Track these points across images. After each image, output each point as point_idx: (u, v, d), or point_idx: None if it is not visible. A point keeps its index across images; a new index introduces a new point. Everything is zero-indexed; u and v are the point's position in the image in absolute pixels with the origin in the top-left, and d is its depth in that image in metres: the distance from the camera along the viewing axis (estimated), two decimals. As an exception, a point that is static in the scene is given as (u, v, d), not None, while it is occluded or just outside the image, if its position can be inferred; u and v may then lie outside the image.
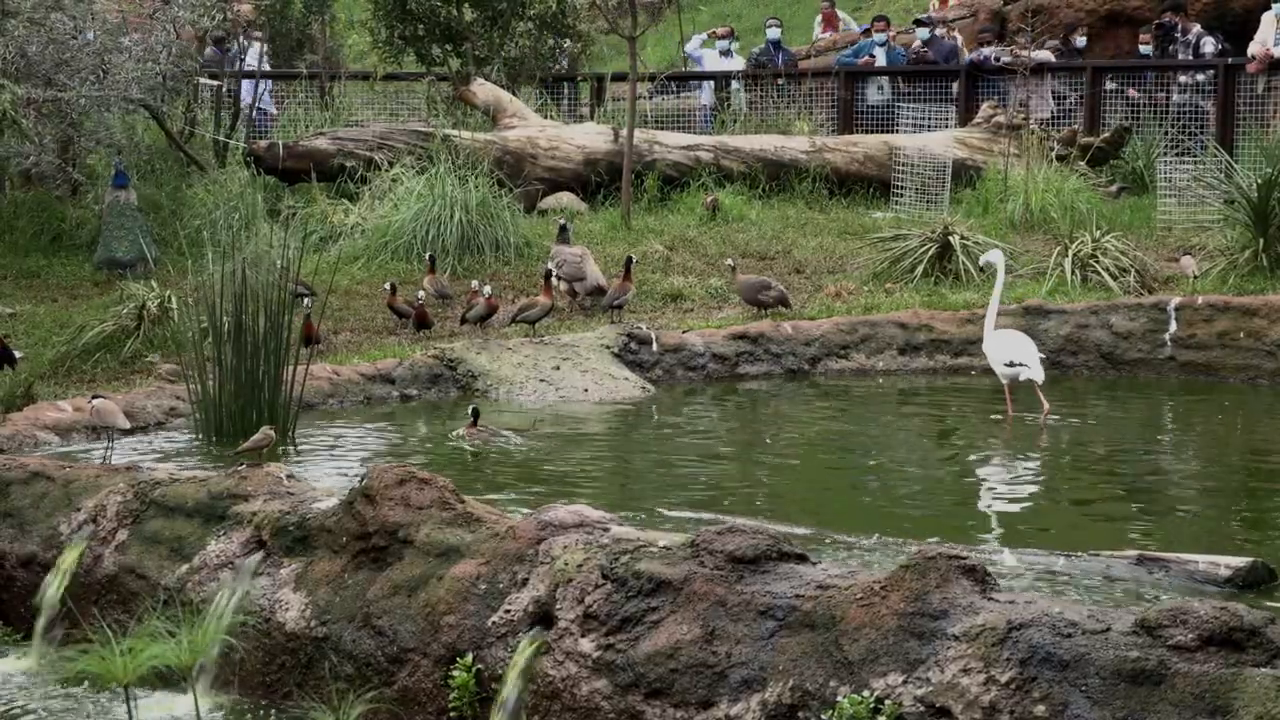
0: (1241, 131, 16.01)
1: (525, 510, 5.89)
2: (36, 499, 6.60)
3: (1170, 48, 17.81)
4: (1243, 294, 11.03)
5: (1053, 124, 16.89)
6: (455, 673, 5.17)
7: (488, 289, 11.26)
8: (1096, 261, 11.94)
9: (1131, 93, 17.16)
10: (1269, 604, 5.19)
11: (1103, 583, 5.58)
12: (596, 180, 15.63)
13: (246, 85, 18.67)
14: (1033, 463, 8.52)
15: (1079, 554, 5.88)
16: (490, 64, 17.55)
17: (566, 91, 19.34)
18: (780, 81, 18.36)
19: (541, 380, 9.86)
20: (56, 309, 11.84)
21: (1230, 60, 16.78)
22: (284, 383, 8.35)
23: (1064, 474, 8.36)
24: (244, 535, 5.95)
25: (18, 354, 9.77)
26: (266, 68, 19.54)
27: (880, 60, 18.75)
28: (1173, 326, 10.69)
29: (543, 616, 5.14)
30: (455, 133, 15.15)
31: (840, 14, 22.23)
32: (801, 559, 4.99)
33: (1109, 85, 17.46)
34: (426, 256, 12.13)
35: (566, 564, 5.17)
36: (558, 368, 9.99)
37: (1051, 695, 4.24)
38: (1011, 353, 9.36)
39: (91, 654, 4.82)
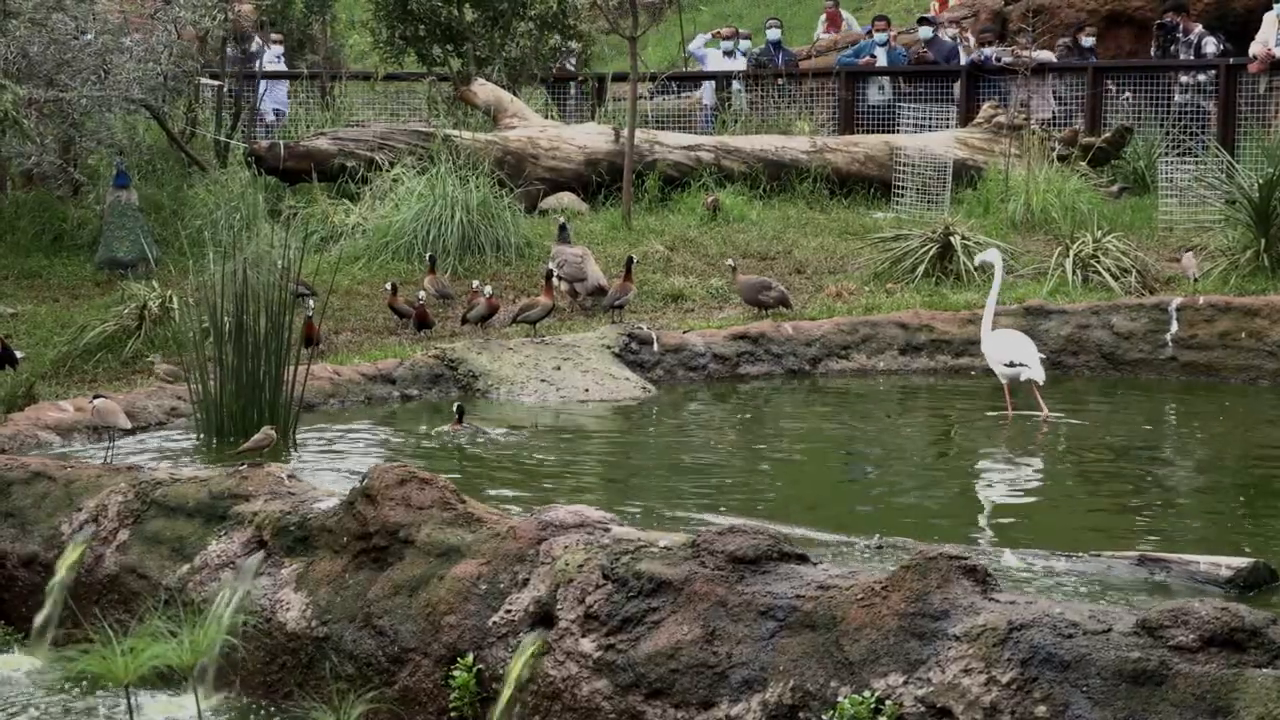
0: (1243, 132, 16.00)
1: (526, 510, 5.89)
2: (38, 499, 6.60)
3: (1172, 48, 17.80)
4: (1244, 294, 11.02)
5: (1054, 124, 16.88)
6: (456, 673, 5.17)
7: (488, 289, 11.26)
8: (1098, 262, 11.93)
9: (1127, 95, 17.15)
10: (1271, 604, 5.19)
11: (1104, 583, 5.58)
12: (597, 180, 15.63)
13: (263, 85, 18.76)
14: (1033, 463, 8.52)
15: (1080, 554, 5.88)
16: (491, 64, 17.55)
17: (573, 91, 19.35)
18: (780, 81, 18.36)
19: (542, 380, 9.86)
20: (58, 309, 11.84)
21: (1232, 60, 16.77)
22: (285, 383, 8.35)
23: (1065, 474, 8.35)
24: (245, 535, 5.96)
25: (19, 354, 9.77)
26: (284, 69, 19.61)
27: (881, 60, 18.75)
28: (1174, 327, 10.68)
29: (543, 617, 5.14)
30: (456, 133, 15.16)
31: (844, 14, 22.23)
32: (802, 559, 4.99)
33: (1110, 87, 17.46)
34: (427, 257, 12.13)
35: (567, 564, 5.17)
36: (559, 368, 9.99)
37: (1053, 696, 4.24)
38: (1012, 353, 9.36)
39: (93, 654, 4.82)
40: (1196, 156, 14.67)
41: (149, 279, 11.58)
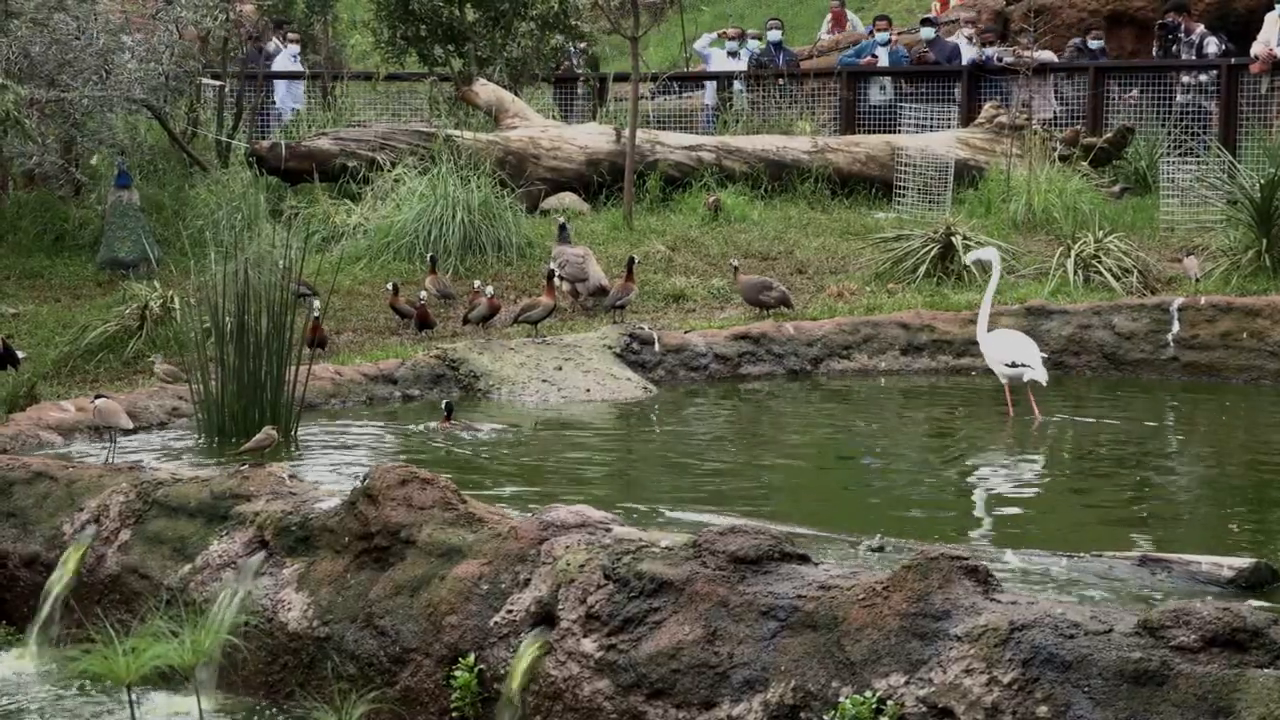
0: (1244, 132, 16.00)
1: (527, 510, 5.89)
2: (40, 499, 6.61)
3: (1174, 48, 17.80)
4: (1245, 295, 11.02)
5: (1055, 124, 16.88)
6: (457, 673, 5.17)
7: (490, 289, 11.26)
8: (1099, 262, 11.94)
9: (1134, 93, 17.14)
10: (1273, 605, 5.18)
11: (1105, 583, 5.58)
12: (599, 180, 15.63)
13: (279, 85, 18.79)
14: (1035, 463, 8.52)
15: (1081, 555, 5.87)
16: (492, 64, 17.55)
17: (580, 91, 19.36)
18: (781, 82, 18.36)
19: (544, 380, 9.86)
20: (59, 309, 11.85)
21: (1233, 60, 16.77)
22: (286, 383, 8.35)
23: (1066, 474, 8.35)
24: (246, 535, 5.96)
25: (21, 354, 9.77)
26: (299, 69, 19.64)
27: (883, 60, 18.75)
28: (1175, 327, 10.68)
29: (545, 617, 5.14)
30: (457, 133, 15.16)
31: (850, 14, 22.22)
32: (803, 559, 4.99)
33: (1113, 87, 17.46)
34: (428, 257, 12.14)
35: (568, 564, 5.17)
36: (560, 368, 9.99)
37: (1054, 696, 4.24)
38: (1013, 353, 9.35)
39: (94, 654, 4.83)
40: (1198, 157, 14.67)
41: (150, 279, 11.59)
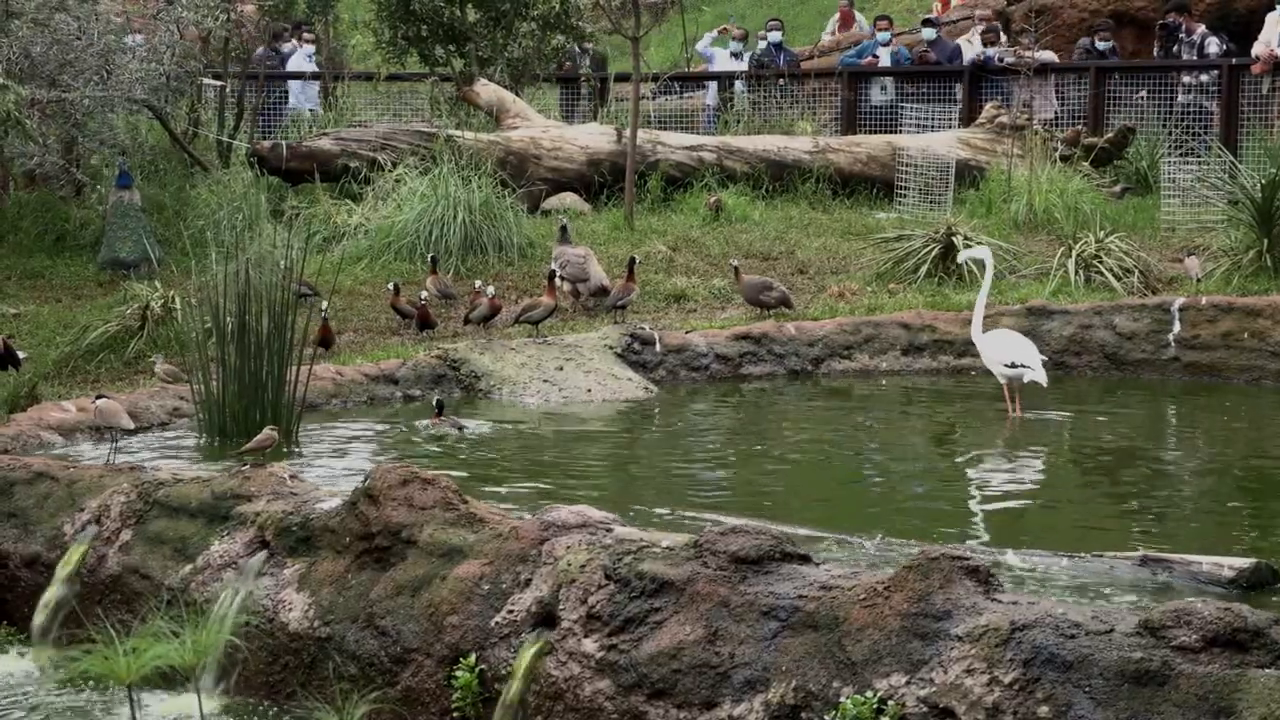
0: (1245, 132, 16.00)
1: (528, 510, 5.89)
2: (40, 499, 6.61)
3: (1175, 48, 17.80)
4: (1247, 295, 11.02)
5: (1056, 124, 16.88)
6: (458, 673, 5.18)
7: (491, 289, 11.26)
8: (1100, 262, 11.93)
9: (1142, 94, 17.13)
10: (1273, 605, 5.18)
11: (1106, 583, 5.58)
12: (600, 181, 15.63)
13: (294, 86, 18.79)
14: (1036, 463, 8.52)
15: (1082, 555, 5.88)
16: (493, 64, 17.55)
17: (584, 91, 19.36)
18: (782, 82, 18.36)
19: (545, 381, 9.86)
20: (60, 309, 11.85)
21: (1235, 61, 16.76)
22: (287, 383, 8.36)
23: (1067, 474, 8.35)
24: (247, 535, 5.96)
25: (22, 354, 9.78)
26: (315, 69, 19.66)
27: (884, 60, 18.75)
28: (1177, 327, 10.68)
29: (546, 617, 5.14)
30: (458, 133, 15.15)
31: (858, 15, 22.21)
32: (804, 559, 4.99)
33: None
34: (429, 257, 12.15)
35: (569, 564, 5.17)
36: (561, 368, 9.99)
37: (1055, 696, 4.24)
38: (1013, 354, 9.34)
39: (95, 654, 4.83)
40: (1199, 157, 14.66)
41: (151, 279, 11.59)
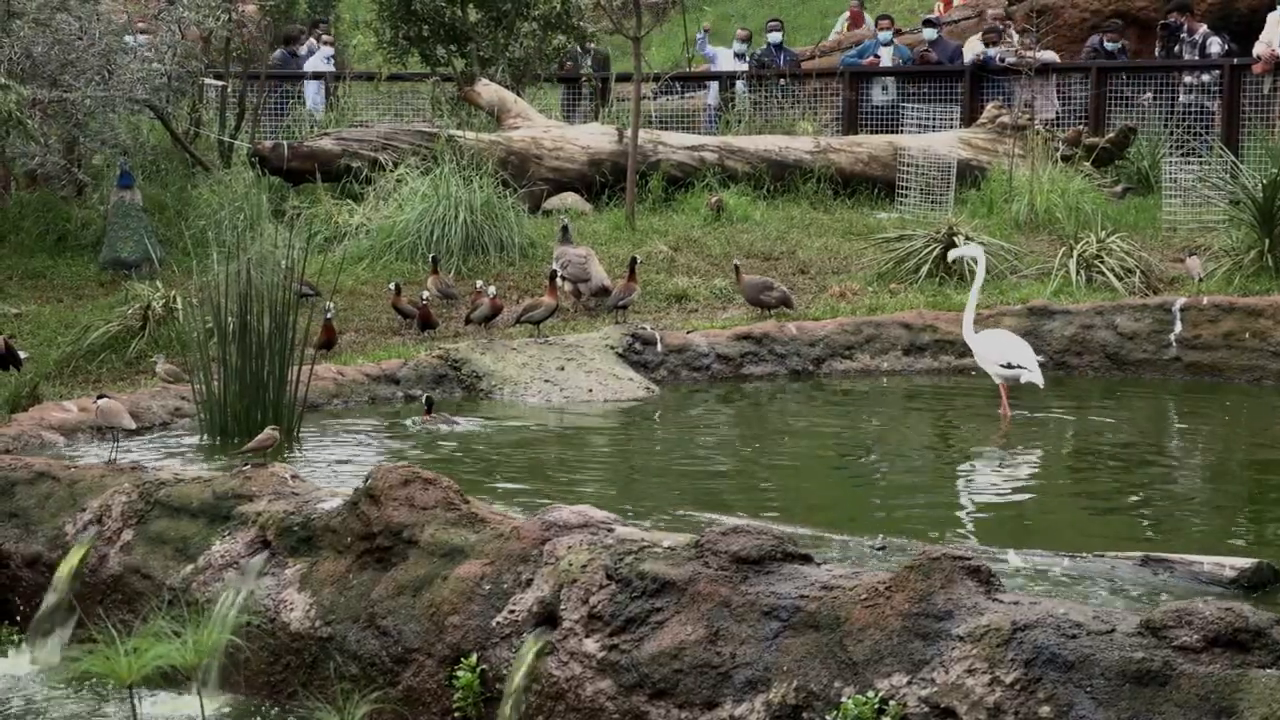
0: (1247, 132, 15.99)
1: (529, 510, 5.89)
2: (42, 499, 6.61)
3: (1176, 48, 17.79)
4: (1248, 295, 11.02)
5: (1057, 124, 16.87)
6: (460, 673, 5.18)
7: (492, 289, 11.26)
8: (1101, 262, 11.93)
9: (1149, 95, 17.12)
10: (1275, 605, 5.18)
11: (1107, 583, 5.58)
12: (601, 181, 15.63)
13: (309, 87, 18.81)
14: (1036, 463, 8.52)
15: (1084, 555, 5.87)
16: (494, 64, 17.55)
17: (585, 92, 19.36)
18: (783, 82, 18.36)
19: (546, 381, 9.87)
20: (62, 309, 11.85)
21: (1236, 60, 16.76)
22: (288, 383, 8.36)
23: (1068, 475, 8.35)
24: (249, 535, 5.96)
25: (23, 354, 9.78)
26: (334, 70, 19.68)
27: (886, 60, 18.74)
28: (1178, 327, 10.68)
29: (547, 617, 5.14)
30: (460, 133, 15.15)
31: (866, 16, 22.21)
32: (806, 559, 4.99)
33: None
34: (431, 257, 12.15)
35: (571, 564, 5.17)
36: (562, 368, 9.99)
37: (1056, 696, 4.24)
38: (1010, 354, 9.34)
39: (96, 654, 4.83)
40: (1200, 157, 14.65)
41: (153, 279, 11.60)
